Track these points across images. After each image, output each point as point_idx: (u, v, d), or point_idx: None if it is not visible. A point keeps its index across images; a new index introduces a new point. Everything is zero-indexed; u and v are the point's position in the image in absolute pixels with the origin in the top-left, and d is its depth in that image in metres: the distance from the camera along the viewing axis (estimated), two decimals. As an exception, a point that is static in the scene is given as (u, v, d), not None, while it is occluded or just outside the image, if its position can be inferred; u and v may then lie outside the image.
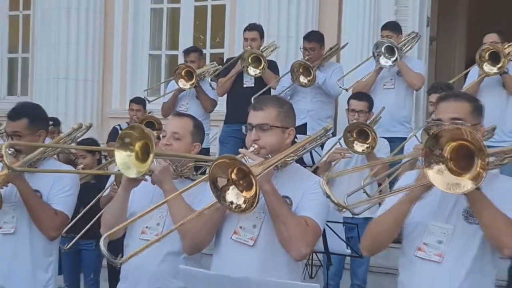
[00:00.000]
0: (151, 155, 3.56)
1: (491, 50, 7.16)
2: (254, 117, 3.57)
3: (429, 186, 3.22)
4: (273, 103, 3.67)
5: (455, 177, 3.08)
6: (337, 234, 5.68)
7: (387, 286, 6.62)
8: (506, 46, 7.35)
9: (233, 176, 3.19)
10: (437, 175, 3.11)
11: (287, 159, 3.61)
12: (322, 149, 6.89)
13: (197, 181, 3.57)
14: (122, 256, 3.66)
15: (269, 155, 3.46)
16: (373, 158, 6.32)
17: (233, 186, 3.19)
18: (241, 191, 3.19)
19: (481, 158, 2.99)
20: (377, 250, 3.58)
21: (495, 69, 7.15)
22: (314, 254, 6.07)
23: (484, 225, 3.19)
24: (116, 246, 3.91)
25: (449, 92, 4.36)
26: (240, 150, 3.55)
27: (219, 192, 3.19)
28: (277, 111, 3.59)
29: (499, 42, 7.34)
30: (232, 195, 3.19)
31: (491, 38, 7.45)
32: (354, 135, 6.35)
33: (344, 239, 5.83)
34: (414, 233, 3.38)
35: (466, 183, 3.03)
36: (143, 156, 3.62)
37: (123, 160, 3.68)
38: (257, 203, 3.15)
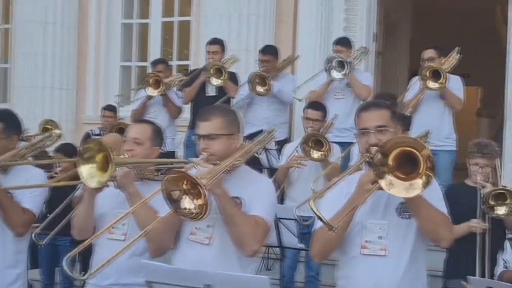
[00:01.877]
0: (110, 165, 3.52)
1: (432, 69, 7.23)
2: (202, 128, 3.55)
3: (369, 190, 3.15)
4: (218, 113, 3.66)
5: (405, 183, 3.04)
6: (290, 230, 5.69)
7: (339, 277, 6.54)
8: (443, 61, 7.45)
9: (185, 186, 3.15)
10: (389, 185, 3.05)
11: (235, 163, 3.57)
12: (279, 153, 6.92)
13: (157, 190, 3.40)
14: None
15: (218, 161, 3.39)
16: (327, 163, 6.31)
17: (185, 195, 3.16)
18: (193, 200, 3.15)
19: (425, 161, 2.98)
20: (327, 256, 3.50)
21: (437, 85, 7.19)
22: (271, 248, 6.15)
23: (422, 220, 3.24)
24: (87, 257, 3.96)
25: (370, 102, 4.60)
26: (190, 159, 3.76)
27: (175, 203, 3.16)
28: (222, 120, 3.55)
29: (436, 57, 7.43)
30: (186, 203, 3.17)
31: (429, 53, 7.52)
32: (310, 144, 6.36)
33: (296, 235, 5.81)
34: (352, 232, 3.33)
35: (415, 186, 3.00)
36: (104, 166, 3.57)
37: (88, 172, 3.61)
38: (207, 209, 3.13)
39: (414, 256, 3.38)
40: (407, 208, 3.26)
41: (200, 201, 3.14)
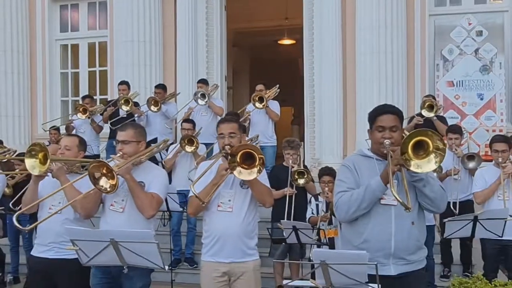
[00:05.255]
0: (48, 160, 3.53)
1: (258, 95, 7.61)
2: (119, 135, 3.66)
3: (227, 170, 3.32)
4: (131, 127, 3.77)
5: (248, 171, 3.28)
6: (174, 200, 5.82)
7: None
8: (268, 92, 7.93)
9: (104, 171, 3.26)
10: (242, 174, 3.30)
11: (142, 159, 3.68)
12: (167, 151, 7.03)
13: (83, 175, 3.59)
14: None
15: (128, 158, 3.55)
16: (197, 155, 6.49)
17: (103, 177, 3.27)
18: (108, 180, 3.26)
19: (259, 156, 3.26)
20: (198, 214, 3.72)
21: (261, 105, 7.55)
22: (164, 212, 6.02)
23: (254, 191, 3.49)
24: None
25: (224, 118, 4.50)
26: (111, 156, 3.74)
27: (95, 181, 3.28)
28: (133, 132, 3.67)
29: (263, 89, 7.84)
30: (103, 182, 3.27)
31: (259, 87, 7.88)
32: (186, 142, 6.53)
33: (178, 202, 5.93)
34: (212, 197, 3.47)
35: (253, 172, 3.28)
36: (44, 161, 3.55)
37: (31, 164, 3.57)
38: (116, 187, 3.25)
39: (250, 211, 3.58)
40: (245, 183, 3.47)
41: (112, 182, 3.25)
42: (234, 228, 3.50)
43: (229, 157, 3.28)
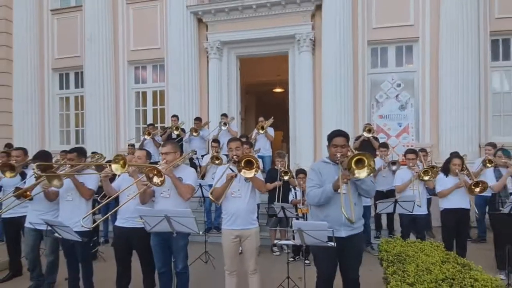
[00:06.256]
0: (126, 165, 3.28)
1: (261, 125, 7.34)
2: (162, 149, 3.47)
3: (233, 177, 3.24)
4: (169, 143, 3.52)
5: (249, 171, 3.18)
6: (206, 190, 5.35)
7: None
8: (266, 122, 7.61)
9: (155, 172, 3.13)
10: (246, 173, 3.20)
11: (178, 163, 3.48)
12: (202, 158, 6.84)
13: (140, 178, 3.34)
14: None
15: (169, 163, 3.37)
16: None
17: (154, 176, 3.14)
18: (158, 178, 3.13)
19: (256, 162, 3.17)
20: (219, 200, 3.38)
21: (262, 131, 7.29)
22: (203, 197, 5.59)
23: (254, 184, 3.37)
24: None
25: (235, 138, 3.85)
26: (159, 162, 3.51)
27: (150, 179, 3.15)
28: (171, 146, 3.47)
29: (264, 120, 7.58)
30: (155, 179, 3.14)
31: (261, 118, 7.69)
32: (214, 159, 6.12)
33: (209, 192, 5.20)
34: (228, 188, 3.35)
35: (252, 172, 3.19)
36: (124, 165, 3.27)
37: (115, 167, 3.28)
38: (164, 181, 3.12)
39: (251, 196, 3.45)
40: (248, 179, 3.34)
41: (161, 178, 3.13)
42: (242, 207, 3.40)
43: (237, 163, 3.23)
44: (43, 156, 4.11)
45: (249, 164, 3.19)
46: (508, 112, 7.74)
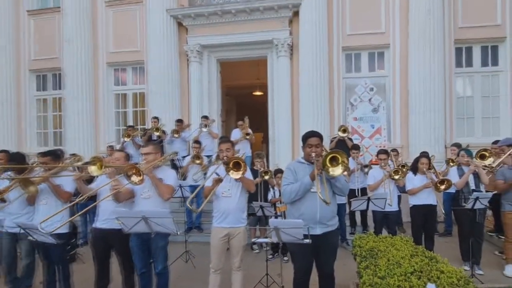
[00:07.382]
0: (103, 167, 3.24)
1: (242, 125, 7.24)
2: (143, 150, 3.46)
3: (217, 180, 3.22)
4: (150, 144, 3.54)
5: (237, 172, 3.18)
6: (186, 190, 5.33)
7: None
8: (246, 123, 7.40)
9: (134, 171, 3.08)
10: (233, 174, 3.22)
11: (159, 164, 3.43)
12: (183, 159, 6.70)
13: (117, 177, 3.24)
14: None
15: (150, 163, 3.33)
16: (203, 165, 5.98)
17: (134, 175, 3.08)
18: (137, 177, 3.08)
19: (243, 163, 3.23)
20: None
21: (243, 133, 7.12)
22: (183, 197, 5.46)
23: (244, 184, 3.36)
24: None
25: (224, 138, 3.98)
26: (139, 162, 3.47)
27: (128, 177, 3.09)
28: (152, 147, 3.46)
29: (243, 123, 7.41)
30: (134, 178, 3.09)
31: (240, 122, 7.50)
32: (194, 158, 6.08)
33: (189, 192, 5.29)
34: (218, 187, 3.33)
35: (240, 173, 3.21)
36: (100, 167, 3.25)
37: (91, 169, 3.25)
38: (143, 181, 3.06)
39: (241, 196, 3.44)
40: (237, 179, 3.31)
41: (140, 178, 3.07)
42: (232, 206, 3.40)
43: (226, 164, 3.28)
44: (18, 159, 3.94)
45: (237, 166, 3.21)
46: (470, 115, 8.05)
